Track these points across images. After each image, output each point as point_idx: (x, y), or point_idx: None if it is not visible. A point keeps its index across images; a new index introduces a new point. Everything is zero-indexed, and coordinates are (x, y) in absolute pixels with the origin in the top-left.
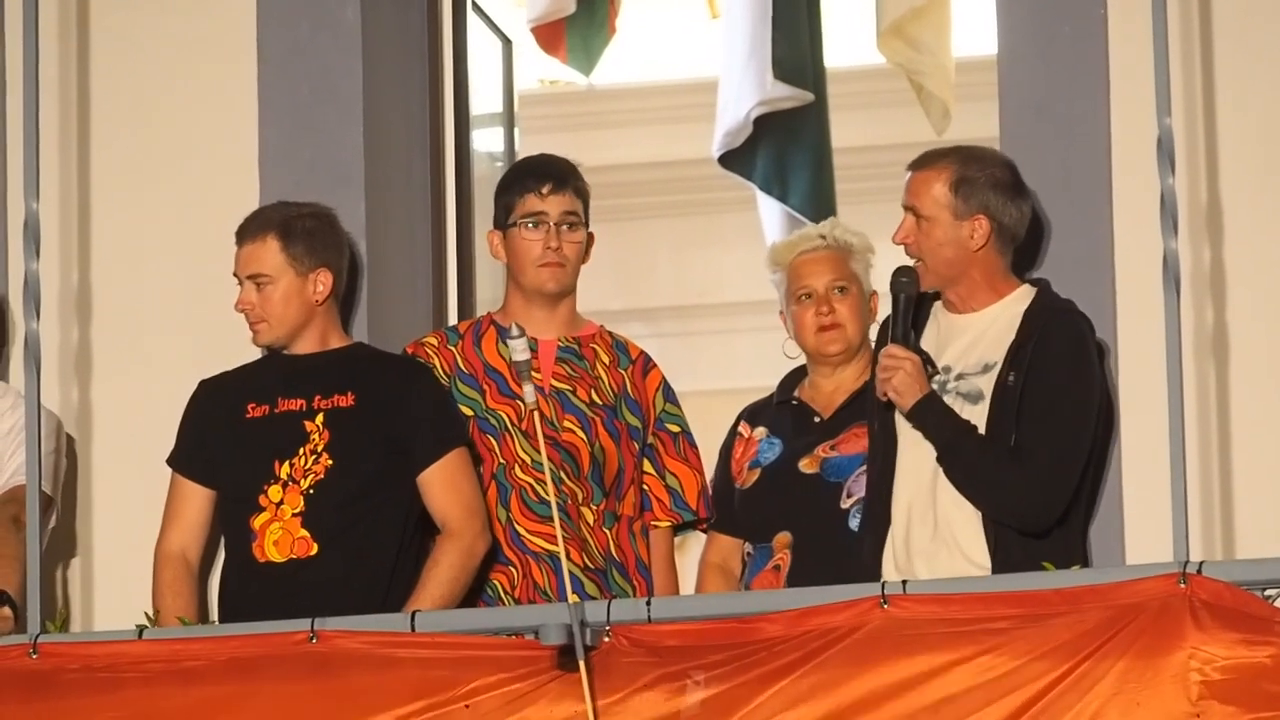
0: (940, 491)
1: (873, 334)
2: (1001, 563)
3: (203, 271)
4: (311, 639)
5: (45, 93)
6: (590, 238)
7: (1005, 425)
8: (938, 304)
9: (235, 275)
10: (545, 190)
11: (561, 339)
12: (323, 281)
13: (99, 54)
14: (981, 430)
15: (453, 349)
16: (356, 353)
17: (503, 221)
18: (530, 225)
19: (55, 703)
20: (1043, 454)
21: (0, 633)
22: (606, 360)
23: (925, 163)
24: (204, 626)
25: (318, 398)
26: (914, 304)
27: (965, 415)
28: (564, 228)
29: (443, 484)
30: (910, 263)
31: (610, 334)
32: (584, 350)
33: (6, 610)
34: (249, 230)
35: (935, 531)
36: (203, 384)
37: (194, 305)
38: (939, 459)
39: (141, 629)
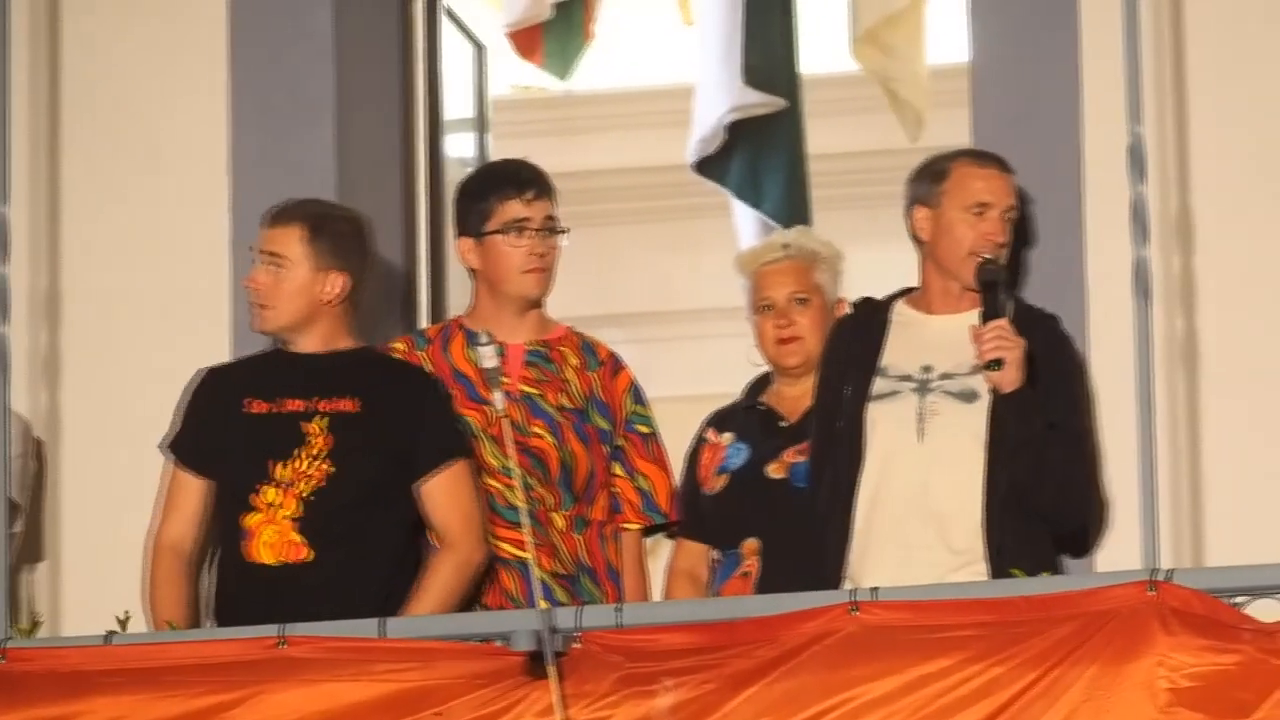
0: (942, 485)
1: None
2: (998, 560)
3: (173, 276)
4: (281, 644)
5: (16, 97)
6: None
7: (1006, 423)
8: (899, 306)
9: (252, 249)
10: (529, 196)
11: (530, 342)
12: (335, 284)
13: (70, 58)
14: (980, 431)
15: (421, 354)
16: (363, 357)
17: (476, 228)
18: (514, 232)
19: (24, 710)
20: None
21: None
22: (575, 363)
23: (1006, 166)
24: (173, 632)
25: (319, 400)
26: (999, 291)
27: (960, 414)
28: (546, 233)
29: (443, 495)
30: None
31: (579, 335)
32: (552, 353)
33: None
34: (280, 213)
35: (929, 527)
36: (208, 372)
37: (165, 309)
38: (1019, 447)
39: (110, 634)
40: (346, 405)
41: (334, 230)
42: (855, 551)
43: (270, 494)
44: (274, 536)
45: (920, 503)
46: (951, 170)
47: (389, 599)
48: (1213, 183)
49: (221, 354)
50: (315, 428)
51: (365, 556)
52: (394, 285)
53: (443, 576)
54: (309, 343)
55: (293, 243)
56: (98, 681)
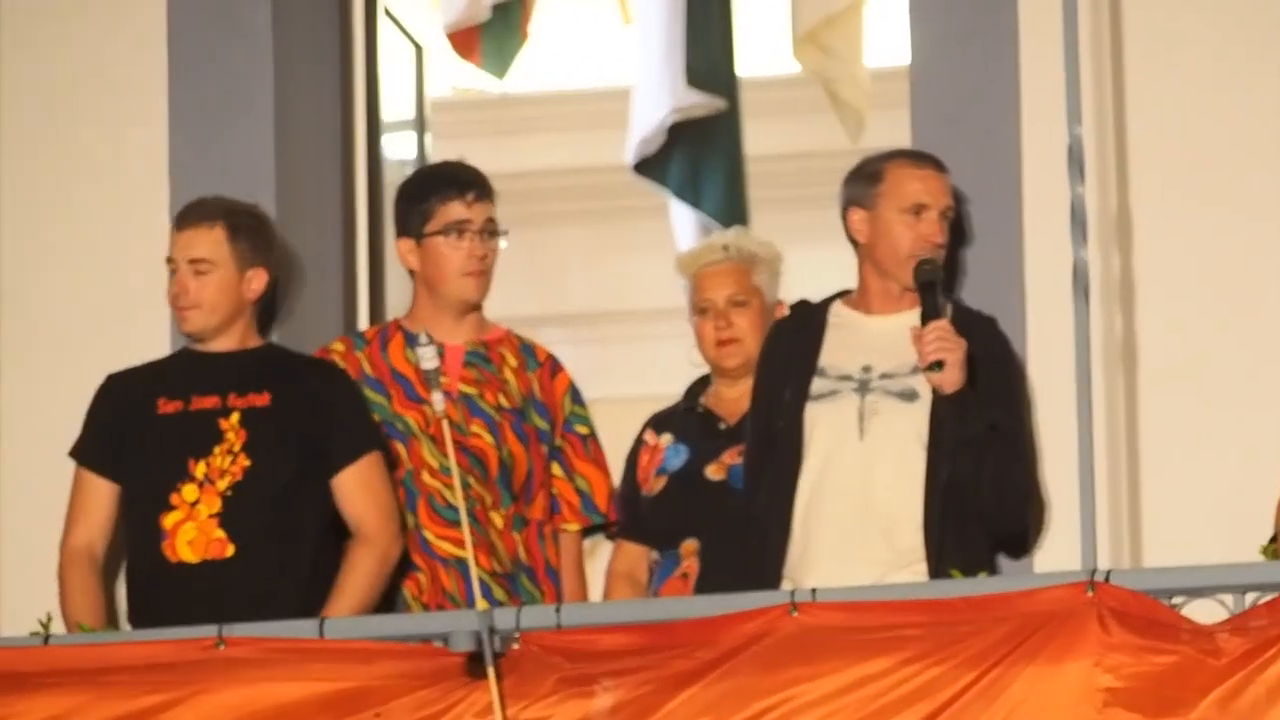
0: (883, 484)
1: None
2: (938, 559)
3: (112, 274)
4: (219, 644)
5: None
6: None
7: (942, 425)
8: (836, 308)
9: (170, 260)
10: (470, 198)
11: (469, 343)
12: (258, 280)
13: (7, 58)
14: (921, 430)
15: (359, 355)
16: (271, 353)
17: (417, 230)
18: (455, 234)
19: None
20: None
21: None
22: (514, 364)
23: (942, 166)
24: (111, 632)
25: (233, 396)
26: (938, 291)
27: (900, 413)
28: (486, 236)
29: (358, 488)
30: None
31: (518, 337)
32: (491, 354)
33: None
34: (193, 216)
35: (871, 526)
36: (111, 377)
37: (103, 307)
38: (959, 448)
39: (48, 635)
40: (259, 400)
41: (249, 227)
42: (795, 551)
43: (190, 492)
44: (196, 534)
45: (861, 502)
46: (887, 172)
47: (310, 593)
48: (1151, 183)
49: (159, 349)
50: (230, 423)
51: (287, 550)
52: (333, 286)
53: (361, 570)
54: (225, 342)
55: (215, 243)
56: (35, 682)
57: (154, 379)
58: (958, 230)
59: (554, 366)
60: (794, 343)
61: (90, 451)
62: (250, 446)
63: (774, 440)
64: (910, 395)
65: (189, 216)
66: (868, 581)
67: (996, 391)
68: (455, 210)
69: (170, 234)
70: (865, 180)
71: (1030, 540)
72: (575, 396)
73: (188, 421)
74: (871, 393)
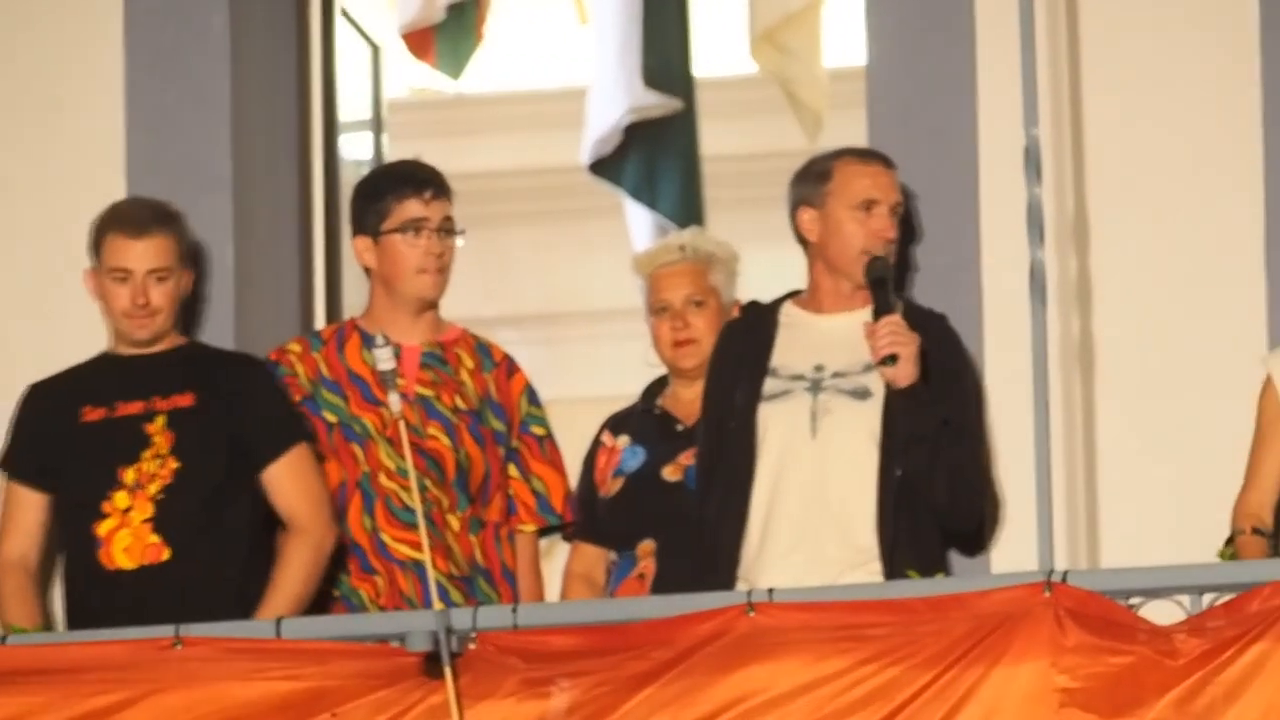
0: (836, 483)
1: None
2: (892, 557)
3: (67, 273)
4: (176, 644)
5: None
6: None
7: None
8: (787, 308)
9: (117, 269)
10: (428, 196)
11: (425, 344)
12: (188, 279)
13: None
14: (873, 428)
15: (316, 355)
16: (191, 351)
17: (374, 227)
18: (412, 232)
19: None
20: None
21: None
22: (471, 364)
23: (890, 163)
24: (67, 634)
25: (157, 399)
26: (889, 287)
27: (853, 412)
28: (443, 234)
29: (287, 480)
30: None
31: (474, 337)
32: (448, 355)
33: None
34: (145, 222)
35: (825, 525)
36: (33, 387)
37: (60, 307)
38: (913, 442)
39: (4, 635)
40: (183, 401)
41: (182, 226)
42: (749, 552)
43: (122, 499)
44: (130, 540)
45: (815, 501)
46: (835, 169)
47: (247, 590)
48: (1108, 185)
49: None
50: (156, 427)
51: (222, 549)
52: (289, 286)
53: (296, 562)
54: (154, 343)
55: (170, 250)
56: None
57: (76, 386)
58: (909, 229)
59: (510, 367)
60: (745, 344)
61: (16, 463)
62: (178, 449)
63: (726, 442)
64: (863, 393)
65: (138, 224)
66: (823, 581)
67: (948, 388)
68: (412, 208)
69: (106, 241)
70: (814, 179)
71: (985, 537)
72: (532, 397)
73: (113, 428)
74: (824, 392)
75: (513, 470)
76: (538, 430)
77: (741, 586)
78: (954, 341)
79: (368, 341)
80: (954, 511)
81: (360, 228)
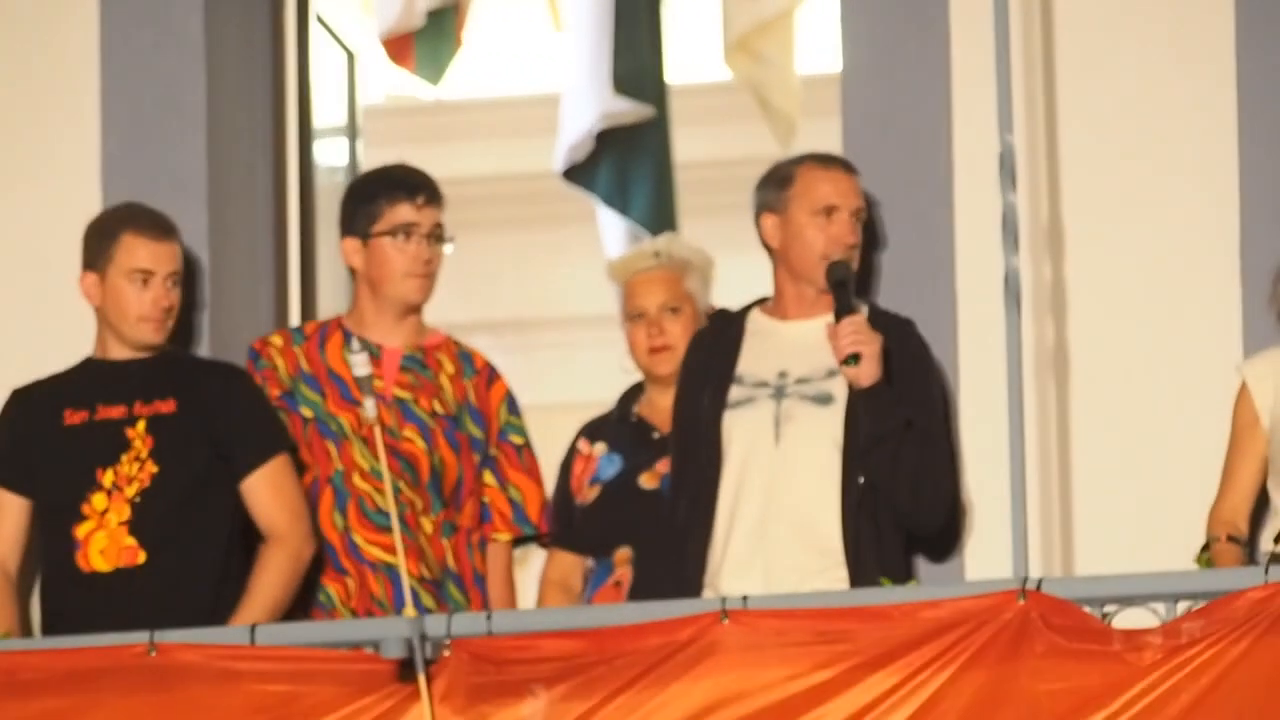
0: (799, 489)
1: None
2: (854, 563)
3: (43, 279)
4: (151, 651)
5: None
6: None
7: (861, 426)
8: (754, 315)
9: (143, 271)
10: (420, 201)
11: (407, 348)
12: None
13: None
14: (836, 433)
15: (297, 350)
16: (175, 358)
17: (363, 230)
18: (402, 236)
19: None
20: (939, 460)
21: None
22: (451, 370)
23: (852, 168)
24: (41, 639)
25: (138, 403)
26: (851, 289)
27: (815, 417)
28: (432, 240)
29: (267, 490)
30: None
31: (456, 344)
32: (429, 360)
33: None
34: (164, 226)
35: (789, 532)
36: (15, 392)
37: (34, 313)
38: (873, 443)
39: None
40: (164, 406)
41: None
42: (715, 559)
43: (99, 501)
44: (107, 542)
45: (779, 507)
46: (797, 175)
47: (222, 596)
48: (1083, 192)
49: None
50: (137, 431)
51: (196, 555)
52: (264, 291)
53: (272, 571)
54: (129, 349)
55: (179, 253)
56: None
57: (59, 391)
58: (874, 234)
59: (491, 375)
60: (712, 352)
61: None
62: (157, 453)
63: (693, 450)
64: (825, 399)
65: (166, 227)
66: (786, 588)
67: (913, 391)
68: (404, 212)
69: (123, 242)
70: (775, 185)
71: (950, 542)
72: (511, 406)
73: (94, 431)
74: (787, 398)
75: (489, 478)
76: (516, 439)
77: (708, 594)
78: (920, 346)
79: (349, 343)
80: (916, 513)
81: (350, 229)
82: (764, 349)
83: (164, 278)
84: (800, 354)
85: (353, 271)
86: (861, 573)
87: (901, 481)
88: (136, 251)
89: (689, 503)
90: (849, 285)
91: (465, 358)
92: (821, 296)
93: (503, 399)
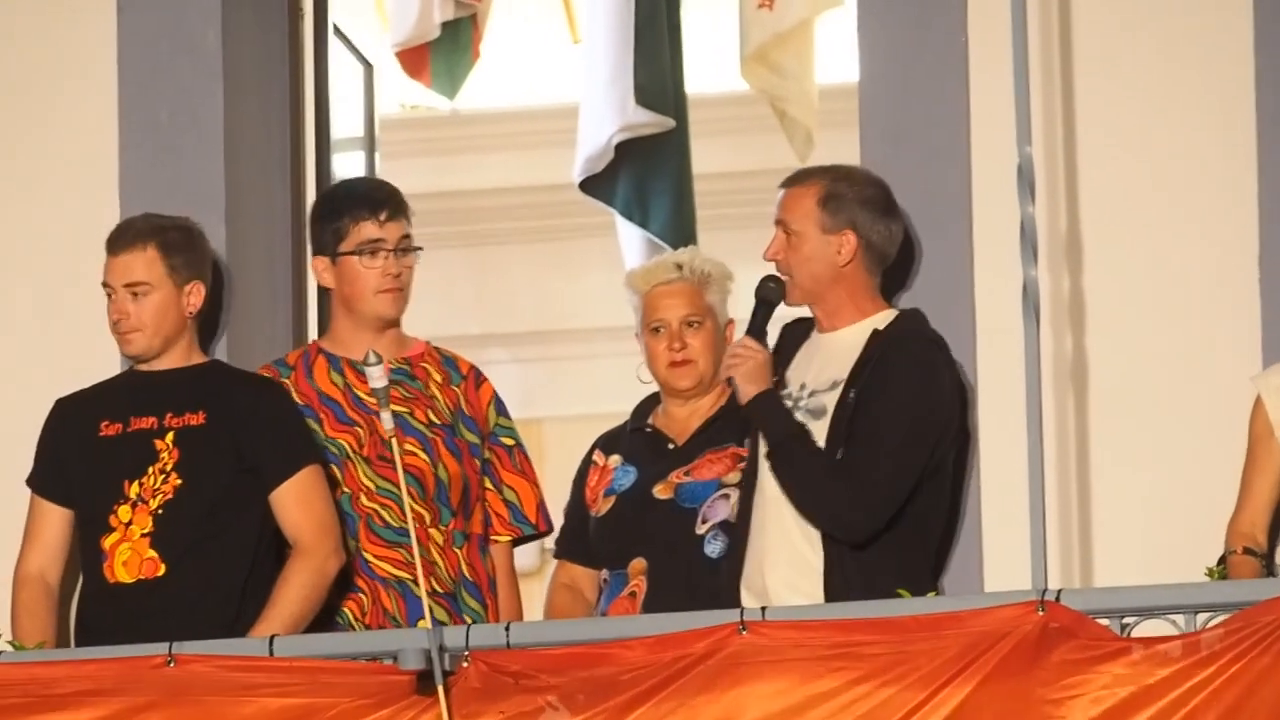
0: (787, 507)
1: None
2: (834, 577)
3: (61, 293)
4: (169, 663)
5: None
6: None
7: (837, 440)
8: (814, 329)
9: (106, 285)
10: (383, 217)
11: (392, 361)
12: (196, 294)
13: None
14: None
15: (285, 382)
16: (212, 371)
17: (331, 248)
18: (368, 254)
19: None
20: (865, 468)
21: None
22: (439, 378)
23: (797, 180)
24: (61, 650)
25: (169, 415)
26: (772, 310)
27: (812, 431)
28: (400, 253)
29: (295, 502)
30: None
31: (438, 350)
32: (415, 370)
33: None
34: (125, 239)
35: (775, 543)
36: (58, 403)
37: (52, 327)
38: (768, 457)
39: None
40: (194, 419)
41: (181, 242)
42: (750, 563)
43: (125, 513)
44: (130, 554)
45: (776, 522)
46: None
47: (243, 609)
48: (1102, 203)
49: (108, 370)
50: (165, 443)
51: (217, 568)
52: (282, 305)
53: (295, 583)
54: (168, 360)
55: (149, 264)
56: None
57: (98, 401)
58: (909, 248)
59: (478, 378)
60: (775, 359)
61: (40, 478)
62: (182, 465)
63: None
64: (820, 412)
65: (120, 240)
66: (769, 601)
67: (871, 403)
68: (368, 230)
69: (105, 259)
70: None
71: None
72: (499, 408)
73: (126, 443)
74: (798, 411)
75: (485, 481)
76: (506, 440)
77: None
78: (907, 358)
79: (334, 364)
80: (809, 519)
81: (318, 248)
82: (802, 359)
83: (121, 290)
84: (820, 366)
85: (328, 290)
86: (837, 589)
87: (800, 494)
88: (104, 267)
89: (737, 513)
90: (768, 306)
91: (450, 364)
92: (846, 308)
93: (490, 401)
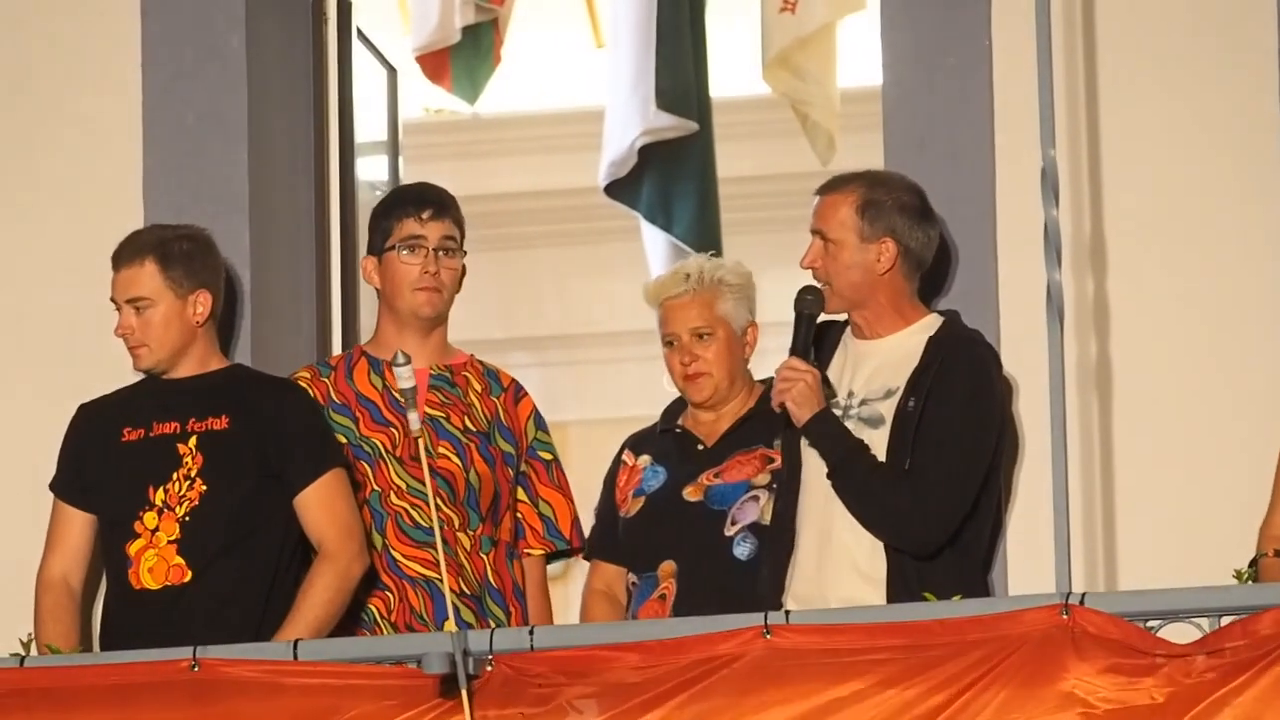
0: (837, 514)
1: (767, 365)
2: (896, 586)
3: (85, 297)
4: (194, 667)
5: None
6: (463, 267)
7: (902, 450)
8: (846, 332)
9: (113, 300)
10: (425, 215)
11: (434, 367)
12: (202, 303)
13: None
14: (881, 456)
15: (325, 381)
16: (234, 375)
17: (379, 246)
18: (408, 250)
19: None
20: (933, 479)
21: None
22: (479, 388)
23: (833, 187)
24: (86, 655)
25: (192, 421)
26: (814, 323)
27: (866, 440)
28: (441, 253)
29: (319, 506)
30: (818, 286)
31: (481, 363)
32: (456, 378)
33: None
34: (125, 254)
35: (832, 554)
36: (81, 408)
37: (77, 331)
38: (830, 476)
39: (23, 657)
40: (217, 424)
41: (182, 253)
42: (798, 572)
43: (150, 519)
44: (156, 560)
45: (832, 534)
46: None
47: (269, 613)
48: (1125, 206)
49: (132, 375)
50: (188, 449)
51: (243, 573)
52: (306, 308)
53: (319, 587)
54: (185, 368)
55: (148, 279)
56: (8, 704)
57: (120, 407)
58: (945, 252)
59: (518, 392)
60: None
61: (63, 483)
62: (206, 471)
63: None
64: (877, 421)
65: (121, 255)
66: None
67: (937, 412)
68: (410, 226)
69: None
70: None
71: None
72: (539, 422)
73: (148, 448)
74: (850, 419)
75: (521, 494)
76: (545, 455)
77: (788, 602)
78: (969, 366)
79: (375, 366)
80: (877, 535)
81: (369, 248)
82: (841, 366)
83: (124, 306)
84: (867, 373)
85: (379, 293)
86: (901, 598)
87: (866, 510)
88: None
89: (774, 525)
90: (810, 320)
91: (491, 376)
92: (887, 315)
93: (530, 415)
